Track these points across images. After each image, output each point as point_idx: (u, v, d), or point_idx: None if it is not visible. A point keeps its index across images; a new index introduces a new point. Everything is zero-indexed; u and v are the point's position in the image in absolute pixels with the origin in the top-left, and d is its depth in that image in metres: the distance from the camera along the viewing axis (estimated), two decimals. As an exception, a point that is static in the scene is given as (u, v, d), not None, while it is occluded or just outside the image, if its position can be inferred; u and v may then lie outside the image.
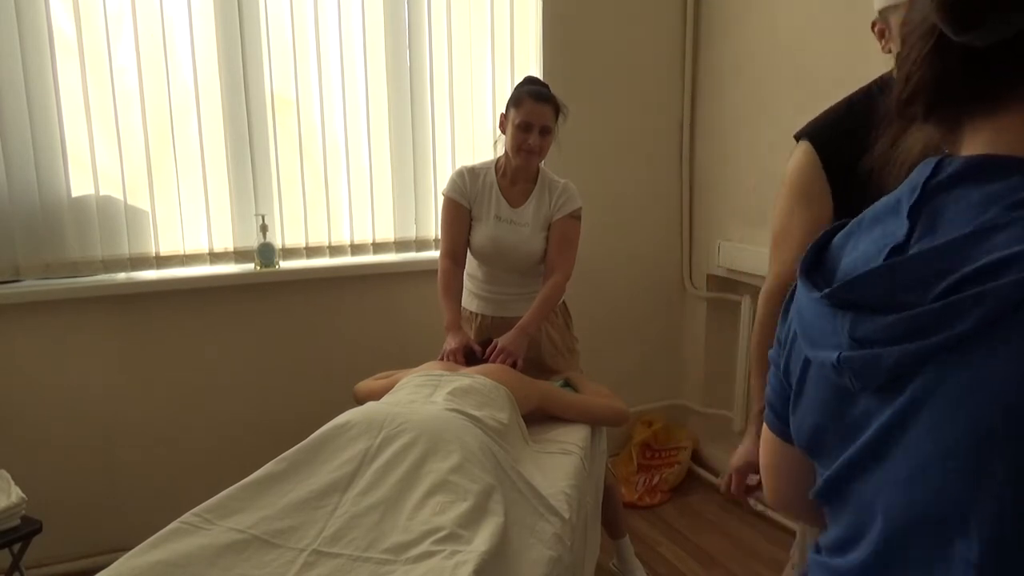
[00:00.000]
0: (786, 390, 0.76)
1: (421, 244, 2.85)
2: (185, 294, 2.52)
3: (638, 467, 3.11)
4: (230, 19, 2.46)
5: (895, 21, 1.26)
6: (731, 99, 3.02)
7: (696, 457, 3.24)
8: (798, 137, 1.50)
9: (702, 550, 2.67)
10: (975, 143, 0.61)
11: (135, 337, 2.48)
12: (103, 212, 2.40)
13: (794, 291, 0.74)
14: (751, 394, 1.64)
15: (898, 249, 0.61)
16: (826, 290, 0.64)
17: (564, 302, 2.46)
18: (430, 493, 1.49)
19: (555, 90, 2.27)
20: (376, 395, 2.04)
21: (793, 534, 2.70)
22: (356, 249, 2.76)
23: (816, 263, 0.71)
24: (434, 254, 2.74)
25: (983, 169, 0.58)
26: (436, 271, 2.38)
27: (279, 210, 2.63)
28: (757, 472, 1.47)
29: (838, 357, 0.62)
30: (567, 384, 2.28)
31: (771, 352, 0.80)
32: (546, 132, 2.20)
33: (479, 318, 2.40)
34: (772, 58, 2.80)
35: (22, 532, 1.97)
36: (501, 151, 2.32)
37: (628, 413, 2.20)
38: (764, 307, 1.54)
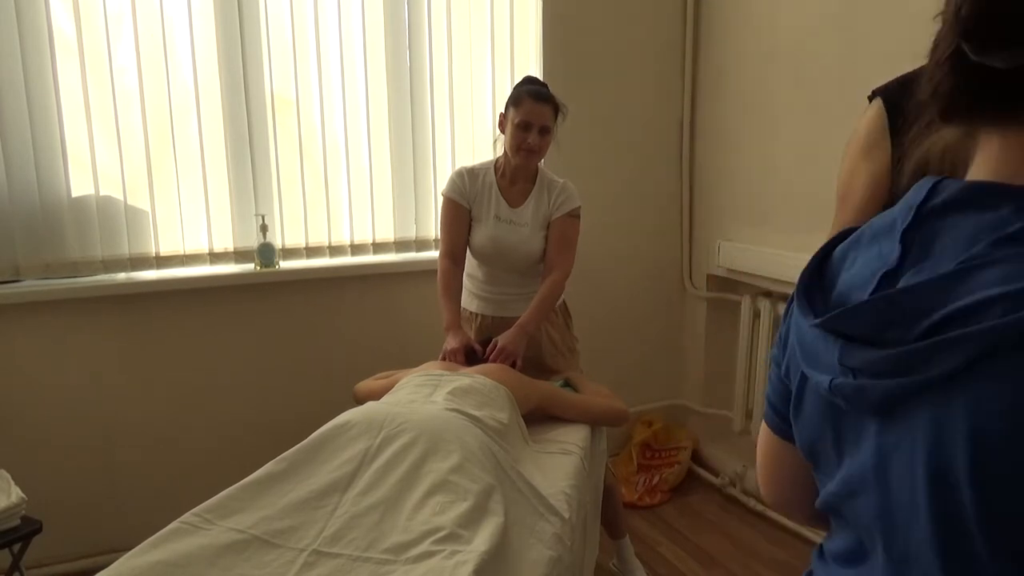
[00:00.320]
0: (787, 389, 0.76)
1: (421, 244, 2.85)
2: (185, 294, 2.52)
3: (638, 467, 3.11)
4: (230, 19, 2.46)
5: None
6: (731, 99, 3.02)
7: (696, 457, 3.24)
8: (872, 95, 1.51)
9: (702, 550, 2.67)
10: (984, 153, 0.61)
11: (135, 337, 2.48)
12: (103, 212, 2.40)
13: (789, 303, 0.74)
14: None
15: (889, 275, 0.62)
16: (816, 320, 0.65)
17: (564, 302, 2.46)
18: (430, 493, 1.49)
19: (555, 90, 2.27)
20: (376, 395, 2.04)
21: (793, 534, 2.71)
22: (356, 249, 2.76)
23: (817, 274, 0.71)
24: (434, 254, 2.74)
25: (975, 197, 0.59)
26: (436, 271, 2.38)
27: (279, 210, 2.63)
28: None
29: (830, 383, 0.64)
30: (567, 384, 2.28)
31: (773, 350, 0.80)
32: (545, 132, 2.20)
33: (479, 318, 2.40)
34: (772, 58, 2.80)
35: (22, 532, 1.97)
36: (501, 151, 2.32)
37: (628, 413, 2.20)
38: None
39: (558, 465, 1.83)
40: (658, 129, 3.19)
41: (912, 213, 0.62)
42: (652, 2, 3.08)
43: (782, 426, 0.80)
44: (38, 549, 2.09)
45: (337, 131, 2.68)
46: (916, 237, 0.61)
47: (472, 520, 1.43)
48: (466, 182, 2.32)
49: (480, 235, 2.32)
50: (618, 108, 3.08)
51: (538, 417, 2.05)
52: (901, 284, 0.61)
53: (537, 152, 2.22)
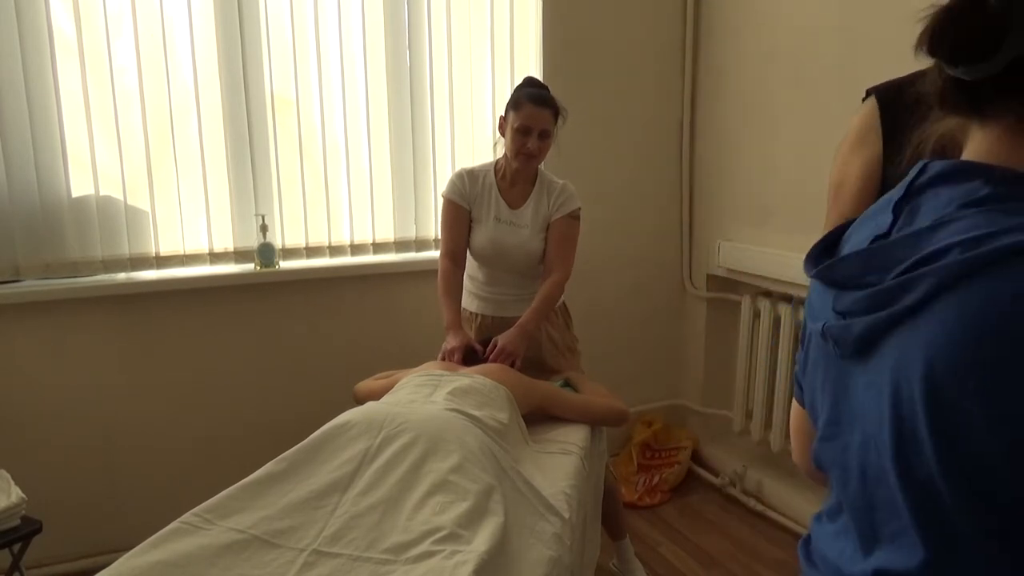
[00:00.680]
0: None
1: (421, 244, 2.85)
2: (185, 294, 2.52)
3: (638, 467, 3.11)
4: (230, 19, 2.46)
5: None
6: (731, 99, 3.02)
7: (696, 457, 3.24)
8: (867, 94, 1.59)
9: (702, 550, 2.67)
10: (971, 142, 0.71)
11: (135, 337, 2.48)
12: (103, 212, 2.40)
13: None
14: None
15: (880, 238, 0.72)
16: (813, 271, 0.76)
17: (564, 302, 2.46)
18: (430, 493, 1.49)
19: (555, 90, 2.27)
20: (376, 395, 2.04)
21: (793, 534, 2.71)
22: (356, 249, 2.76)
23: (826, 252, 0.80)
24: (434, 254, 2.74)
25: (954, 173, 0.69)
26: (436, 271, 2.38)
27: (279, 210, 2.63)
28: None
29: (823, 326, 0.74)
30: (567, 384, 2.28)
31: (801, 331, 0.88)
32: (545, 136, 2.20)
33: (479, 318, 2.40)
34: (772, 58, 2.80)
35: (22, 532, 1.97)
36: (501, 152, 2.32)
37: (628, 413, 2.20)
38: None
39: (558, 465, 1.83)
40: (658, 129, 3.20)
41: (904, 188, 0.72)
42: (652, 2, 3.08)
43: (804, 398, 0.89)
44: (38, 549, 2.09)
45: (337, 131, 2.68)
46: (905, 207, 0.71)
47: (472, 520, 1.43)
48: (466, 183, 2.32)
49: (480, 236, 2.32)
50: (618, 108, 3.08)
51: (538, 417, 2.05)
52: None
53: (537, 156, 2.22)
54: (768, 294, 2.89)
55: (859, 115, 1.59)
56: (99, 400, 2.45)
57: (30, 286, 2.33)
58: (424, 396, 1.84)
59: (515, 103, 2.21)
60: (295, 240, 2.68)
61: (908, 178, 0.73)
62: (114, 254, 2.44)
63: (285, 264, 2.64)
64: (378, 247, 2.79)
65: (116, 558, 1.38)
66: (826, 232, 1.51)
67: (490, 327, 2.35)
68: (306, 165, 2.64)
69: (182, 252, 2.53)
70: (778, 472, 2.94)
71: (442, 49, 2.77)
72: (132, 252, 2.46)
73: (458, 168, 2.40)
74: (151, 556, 1.36)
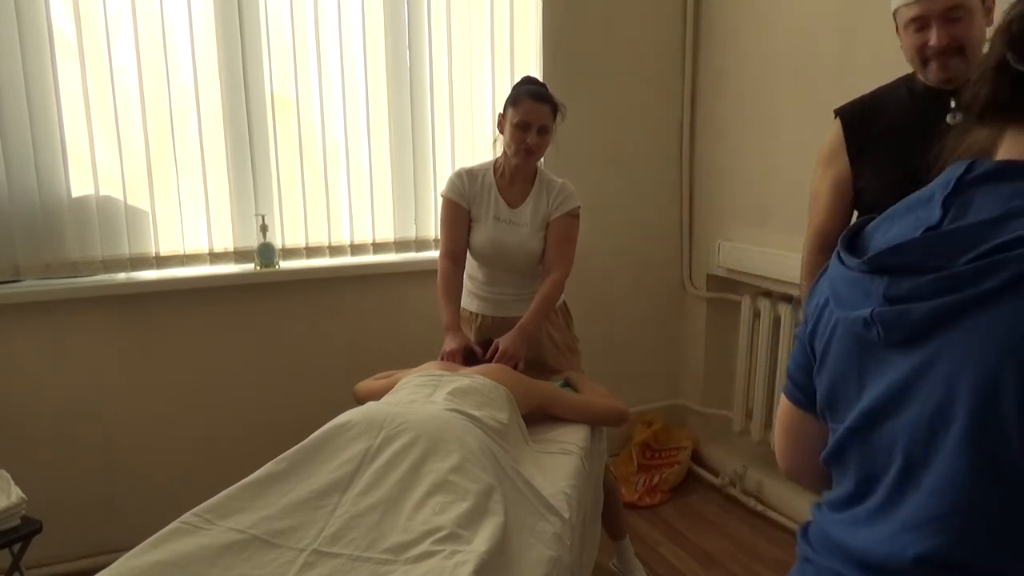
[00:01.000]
0: (809, 362, 0.86)
1: (421, 244, 2.85)
2: (185, 294, 2.52)
3: (638, 467, 3.11)
4: (230, 19, 2.46)
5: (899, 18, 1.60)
6: (731, 99, 3.02)
7: (696, 457, 3.24)
8: (836, 113, 1.79)
9: (702, 550, 2.67)
10: (1010, 148, 0.72)
11: (135, 337, 2.48)
12: (103, 212, 2.40)
13: (823, 271, 0.86)
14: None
15: (932, 229, 0.72)
16: (867, 256, 0.75)
17: (564, 302, 2.46)
18: (430, 493, 1.49)
19: (554, 90, 2.27)
20: (376, 395, 2.04)
21: (793, 533, 2.71)
22: (356, 249, 2.76)
23: (850, 244, 0.82)
24: (434, 254, 2.74)
25: (1010, 170, 0.70)
26: (436, 271, 2.37)
27: (279, 210, 2.63)
28: None
29: (871, 312, 0.73)
30: (567, 384, 2.27)
31: (797, 328, 0.91)
32: (544, 132, 2.20)
33: (479, 318, 2.40)
34: (772, 58, 2.80)
35: (22, 532, 1.97)
36: (500, 151, 2.32)
37: (628, 413, 2.20)
38: (806, 255, 1.88)
39: (558, 465, 1.83)
40: (658, 129, 3.19)
41: (953, 184, 0.73)
42: (652, 2, 3.08)
43: (801, 398, 0.90)
44: (38, 549, 2.09)
45: (337, 131, 2.68)
46: (954, 202, 0.72)
47: (472, 520, 1.43)
48: (465, 183, 2.32)
49: (479, 236, 2.32)
50: (618, 108, 3.08)
51: (538, 417, 2.05)
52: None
53: (536, 152, 2.22)
54: (768, 294, 2.89)
55: (829, 134, 1.79)
56: (99, 400, 2.45)
57: (30, 286, 2.33)
58: (424, 396, 1.84)
59: (513, 99, 2.21)
60: (295, 240, 2.68)
61: (952, 174, 0.74)
62: (114, 254, 2.44)
63: (285, 264, 2.64)
64: (378, 247, 2.79)
65: (116, 558, 1.38)
66: (814, 235, 1.62)
67: (490, 327, 2.35)
68: (306, 165, 2.64)
69: (182, 252, 2.53)
70: (778, 472, 2.91)
71: (442, 49, 2.77)
72: (132, 252, 2.46)
73: (457, 167, 2.40)
74: (151, 556, 1.36)
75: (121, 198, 2.42)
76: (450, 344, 2.22)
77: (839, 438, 0.81)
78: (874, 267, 0.74)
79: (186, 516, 1.49)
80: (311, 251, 2.70)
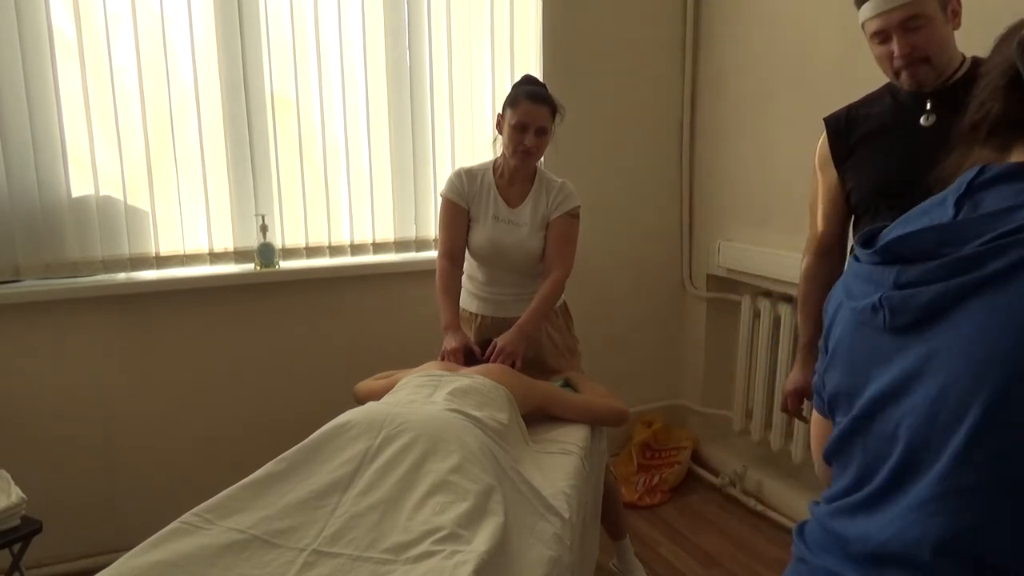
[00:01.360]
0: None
1: (421, 244, 2.85)
2: (185, 294, 2.52)
3: (638, 467, 3.11)
4: (230, 19, 2.46)
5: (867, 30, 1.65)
6: (731, 99, 3.02)
7: (696, 457, 3.24)
8: (825, 123, 1.85)
9: (702, 550, 2.67)
10: (1016, 157, 0.75)
11: (135, 337, 2.48)
12: (103, 212, 2.40)
13: (840, 278, 0.89)
14: (798, 328, 2.00)
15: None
16: (879, 245, 0.79)
17: (565, 303, 2.46)
18: (430, 493, 1.49)
19: (554, 90, 2.27)
20: (376, 395, 2.04)
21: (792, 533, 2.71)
22: (356, 249, 2.76)
23: (866, 244, 0.84)
24: (434, 254, 2.73)
25: (1015, 172, 0.73)
26: (436, 271, 2.37)
27: (279, 210, 2.63)
28: (805, 394, 1.93)
29: (880, 297, 0.76)
30: (567, 384, 2.27)
31: (820, 341, 0.91)
32: (542, 133, 2.20)
33: (479, 319, 2.40)
34: (772, 58, 2.80)
35: (22, 532, 1.97)
36: (500, 151, 2.32)
37: (628, 413, 2.20)
38: (805, 262, 1.95)
39: (558, 465, 1.83)
40: (658, 129, 3.19)
41: (965, 186, 0.75)
42: (652, 2, 3.08)
43: (826, 408, 0.90)
44: (38, 549, 2.09)
45: (337, 131, 2.68)
46: (966, 202, 0.75)
47: (472, 520, 1.43)
48: (464, 183, 2.32)
49: (478, 235, 2.32)
50: (618, 108, 3.08)
51: (538, 417, 2.05)
52: None
53: (534, 153, 2.22)
54: (768, 294, 2.89)
55: (819, 143, 1.86)
56: (99, 400, 2.45)
57: (30, 286, 2.33)
58: (424, 396, 1.84)
59: (512, 100, 2.21)
60: (295, 240, 2.68)
61: (965, 178, 0.77)
62: (114, 254, 2.44)
63: (285, 264, 2.64)
64: (378, 247, 2.79)
65: (116, 558, 1.38)
66: (812, 239, 1.71)
67: (490, 327, 2.35)
68: (306, 165, 2.64)
69: (182, 252, 2.53)
70: (778, 472, 2.94)
71: (442, 49, 2.77)
72: (132, 252, 2.46)
73: (457, 167, 2.40)
74: (151, 556, 1.36)
75: (121, 198, 2.42)
76: (450, 343, 2.22)
77: (842, 429, 0.82)
78: (886, 257, 0.77)
79: (186, 516, 1.49)
80: (311, 251, 2.70)
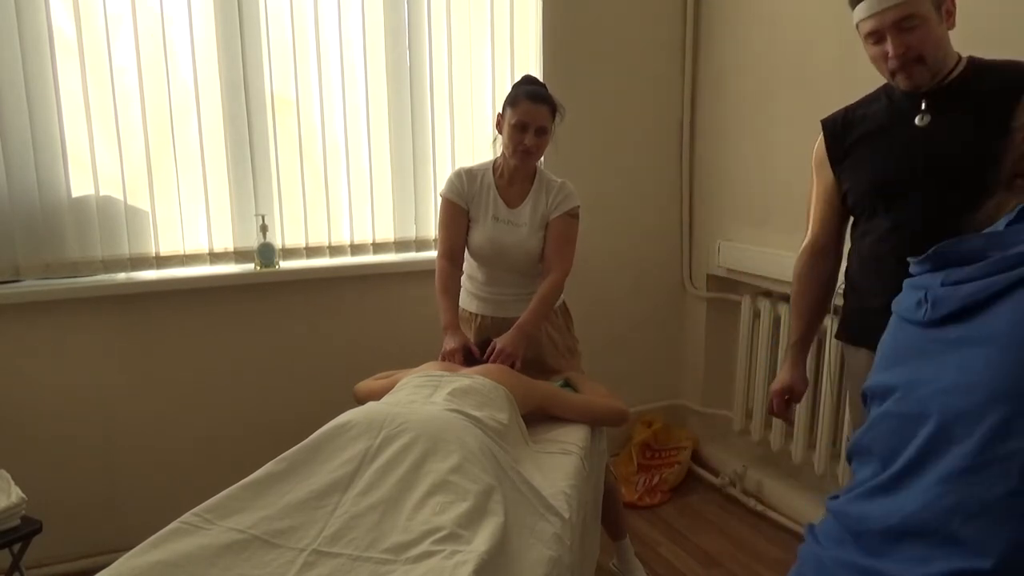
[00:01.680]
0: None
1: (421, 244, 2.85)
2: (185, 294, 2.52)
3: (638, 467, 3.11)
4: (230, 19, 2.46)
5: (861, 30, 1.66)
6: (731, 99, 3.02)
7: (696, 457, 3.24)
8: (822, 125, 1.85)
9: (702, 550, 2.67)
10: None
11: (135, 337, 2.48)
12: (103, 212, 2.40)
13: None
14: (790, 328, 1.99)
15: None
16: (931, 250, 0.86)
17: (565, 303, 2.46)
18: (430, 493, 1.49)
19: (554, 90, 2.27)
20: (376, 395, 2.04)
21: (793, 534, 2.71)
22: (356, 249, 2.76)
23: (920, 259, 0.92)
24: (434, 254, 2.73)
25: None
26: (435, 271, 2.37)
27: (279, 210, 2.63)
28: (792, 395, 1.92)
29: (925, 293, 0.83)
30: (567, 384, 2.27)
31: (865, 399, 0.96)
32: (542, 132, 2.20)
33: (478, 319, 2.40)
34: (772, 58, 2.80)
35: (22, 532, 1.97)
36: (500, 151, 2.32)
37: (628, 413, 2.20)
38: (798, 262, 1.93)
39: (558, 465, 1.83)
40: (658, 129, 3.19)
41: (1017, 211, 0.84)
42: (652, 2, 3.08)
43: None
44: (38, 549, 2.09)
45: (337, 131, 2.68)
46: (1017, 225, 0.82)
47: (472, 520, 1.43)
48: (464, 182, 2.32)
49: (478, 236, 2.32)
50: (618, 108, 3.08)
51: (538, 417, 2.05)
52: None
53: (534, 153, 2.22)
54: (768, 294, 2.89)
55: (815, 146, 1.86)
56: (99, 400, 2.45)
57: (30, 286, 2.33)
58: (424, 396, 1.84)
59: (512, 100, 2.21)
60: (295, 240, 2.68)
61: (1018, 207, 0.85)
62: (114, 254, 2.44)
63: (285, 264, 2.64)
64: (378, 247, 2.79)
65: (116, 558, 1.38)
66: (805, 246, 1.75)
67: (490, 328, 2.35)
68: (306, 165, 2.64)
69: (182, 252, 2.53)
70: (778, 472, 2.94)
71: (442, 49, 2.77)
72: (132, 252, 2.46)
73: (457, 167, 2.40)
74: (151, 556, 1.36)
75: (121, 198, 2.42)
76: (450, 343, 2.22)
77: (871, 420, 0.86)
78: (936, 262, 0.85)
79: (186, 516, 1.48)
80: (311, 251, 2.70)
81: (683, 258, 3.31)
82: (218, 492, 1.56)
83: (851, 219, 1.84)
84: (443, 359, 2.22)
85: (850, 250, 1.82)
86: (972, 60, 1.62)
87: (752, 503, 2.92)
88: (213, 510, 1.50)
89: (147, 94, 2.39)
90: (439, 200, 2.40)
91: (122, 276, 2.45)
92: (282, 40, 2.55)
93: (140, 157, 2.42)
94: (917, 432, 0.78)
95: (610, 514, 2.33)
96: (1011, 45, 1.71)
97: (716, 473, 3.13)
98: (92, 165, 2.36)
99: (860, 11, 1.60)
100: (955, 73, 1.61)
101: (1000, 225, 0.84)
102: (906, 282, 0.90)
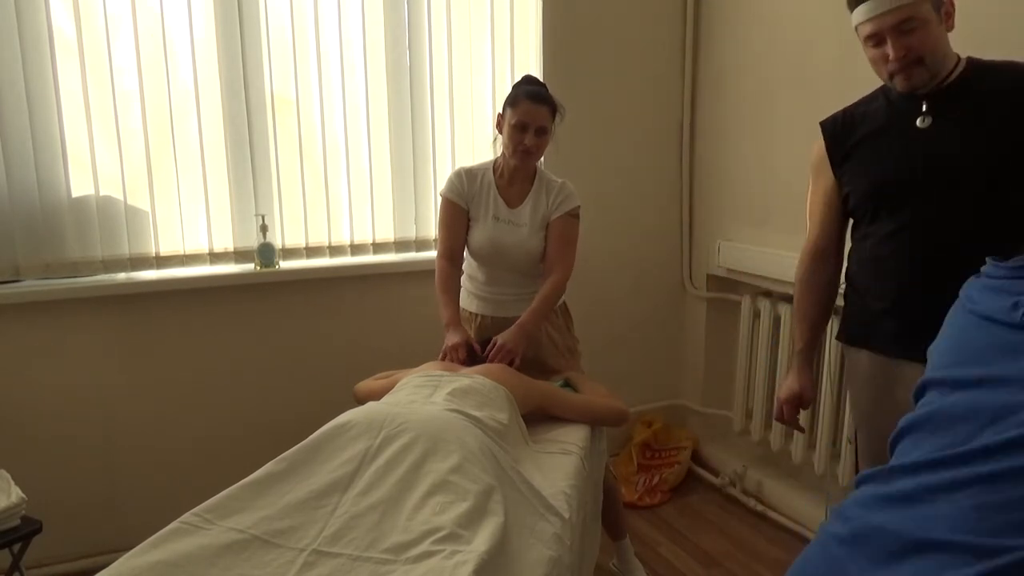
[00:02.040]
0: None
1: (421, 244, 2.85)
2: (185, 294, 2.52)
3: (638, 467, 3.11)
4: (230, 19, 2.46)
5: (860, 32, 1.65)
6: (731, 99, 3.02)
7: (696, 457, 3.24)
8: (821, 127, 1.84)
9: (702, 550, 2.67)
10: None
11: (135, 337, 2.48)
12: (103, 212, 2.40)
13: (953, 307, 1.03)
14: (793, 335, 1.97)
15: None
16: (1015, 261, 0.92)
17: (565, 303, 2.46)
18: (430, 493, 1.49)
19: (554, 90, 2.27)
20: (376, 395, 2.04)
21: (793, 533, 2.71)
22: (356, 249, 2.76)
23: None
24: (434, 254, 2.73)
25: None
26: (435, 271, 2.37)
27: (279, 210, 2.63)
28: (802, 402, 1.89)
29: (1015, 302, 0.88)
30: (567, 384, 2.27)
31: (918, 392, 1.00)
32: (542, 132, 2.20)
33: (479, 318, 2.40)
34: (772, 58, 2.80)
35: (22, 532, 1.97)
36: (500, 151, 2.32)
37: (628, 413, 2.20)
38: (799, 266, 1.91)
39: (558, 465, 1.83)
40: (658, 129, 3.20)
41: None
42: (652, 2, 3.08)
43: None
44: (38, 549, 2.09)
45: (337, 131, 2.68)
46: None
47: (472, 520, 1.43)
48: (464, 182, 2.32)
49: (478, 235, 2.32)
50: (618, 108, 3.08)
51: (538, 417, 2.05)
52: None
53: (534, 153, 2.22)
54: (768, 294, 2.89)
55: (814, 147, 1.85)
56: (99, 400, 2.45)
57: (30, 286, 2.33)
58: (424, 396, 1.84)
59: (512, 100, 2.21)
60: (295, 240, 2.68)
61: None
62: (114, 254, 2.44)
63: (285, 264, 2.64)
64: (378, 247, 2.79)
65: (116, 558, 1.38)
66: (805, 249, 1.78)
67: (490, 327, 2.35)
68: (306, 165, 2.64)
69: (182, 252, 2.53)
70: (778, 472, 2.94)
71: (442, 49, 2.77)
72: (132, 252, 2.46)
73: (457, 167, 2.40)
74: (151, 556, 1.36)
75: (121, 198, 2.42)
76: (452, 339, 2.22)
77: (937, 406, 0.90)
78: (1019, 274, 0.91)
79: (186, 516, 1.48)
80: (311, 251, 2.70)
81: (683, 258, 3.31)
82: (218, 492, 1.56)
83: (851, 221, 1.84)
84: (445, 354, 2.22)
85: (851, 252, 1.81)
86: (971, 61, 1.62)
87: (752, 503, 2.92)
88: (213, 510, 1.50)
89: (147, 94, 2.39)
90: (439, 200, 2.40)
91: (122, 276, 2.45)
92: (282, 40, 2.55)
93: (140, 157, 2.42)
94: (1007, 418, 0.81)
95: (610, 514, 2.33)
96: (1011, 45, 1.71)
97: (716, 473, 3.13)
98: (92, 165, 2.36)
99: (859, 14, 1.60)
100: (954, 74, 1.61)
101: None
102: (989, 284, 0.95)
